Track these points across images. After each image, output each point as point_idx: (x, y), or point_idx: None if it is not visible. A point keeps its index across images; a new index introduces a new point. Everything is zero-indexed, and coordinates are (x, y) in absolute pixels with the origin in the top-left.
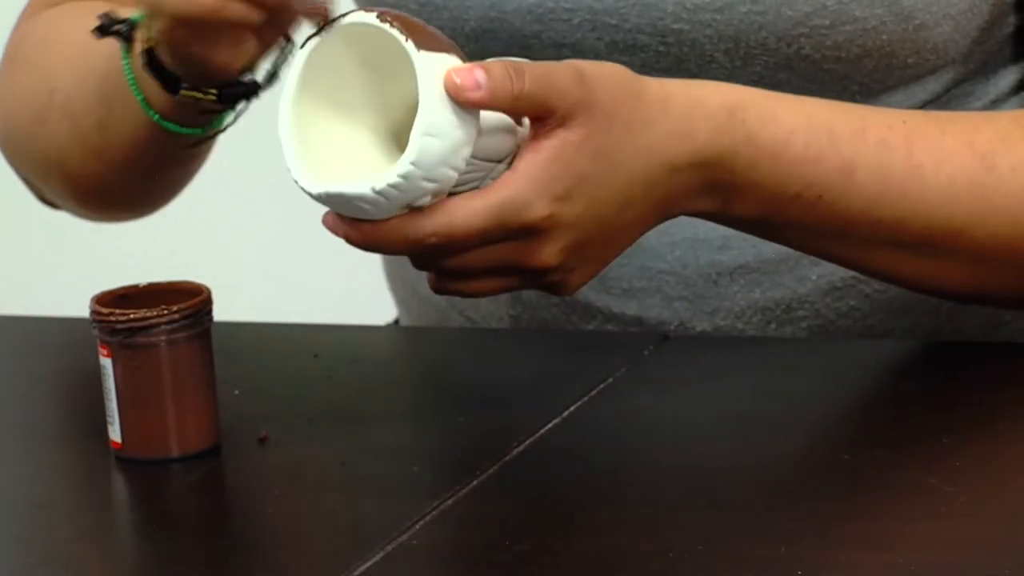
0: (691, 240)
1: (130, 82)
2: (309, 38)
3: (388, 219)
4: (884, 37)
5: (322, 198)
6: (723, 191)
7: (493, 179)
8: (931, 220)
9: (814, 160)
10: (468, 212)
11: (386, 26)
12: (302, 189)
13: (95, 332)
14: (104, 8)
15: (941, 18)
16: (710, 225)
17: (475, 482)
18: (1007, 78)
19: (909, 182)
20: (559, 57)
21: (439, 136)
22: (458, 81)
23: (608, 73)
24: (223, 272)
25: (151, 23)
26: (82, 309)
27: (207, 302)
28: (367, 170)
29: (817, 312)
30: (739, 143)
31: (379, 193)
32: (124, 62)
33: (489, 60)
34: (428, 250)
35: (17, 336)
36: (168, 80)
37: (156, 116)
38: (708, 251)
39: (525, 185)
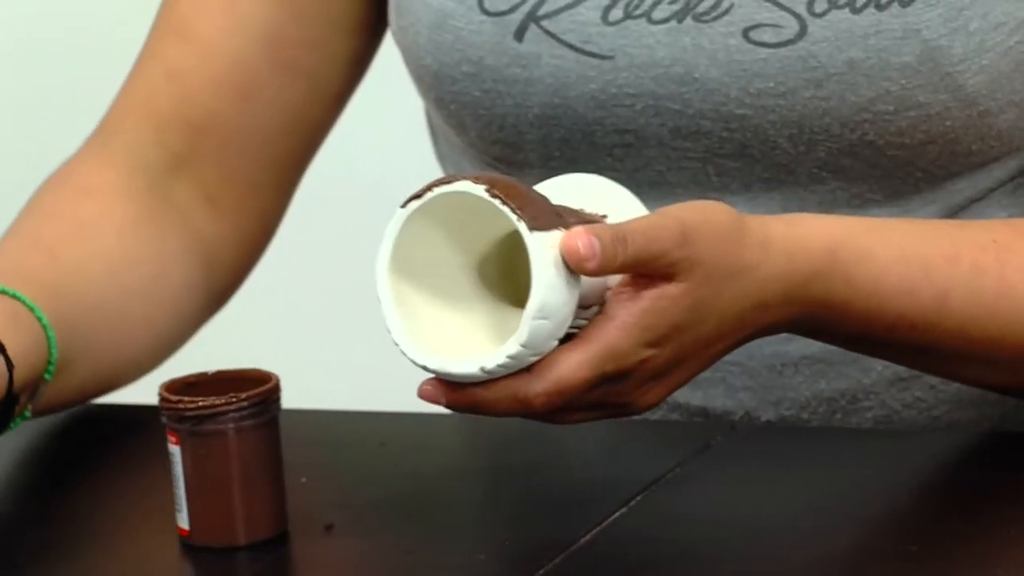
0: None
1: None
2: (408, 200)
3: (496, 382)
4: (948, 123)
5: (428, 370)
6: (813, 322)
7: (585, 319)
8: (1023, 337)
9: (908, 292)
10: (573, 367)
11: (496, 202)
12: (410, 360)
13: (164, 419)
14: None
15: (1005, 104)
16: None
17: (541, 571)
18: None
19: (1001, 302)
20: (622, 142)
21: (550, 317)
22: (581, 251)
23: (712, 222)
24: (291, 360)
25: None
26: (151, 396)
27: (275, 390)
28: (468, 331)
29: (882, 403)
30: (836, 283)
31: (488, 372)
32: None
33: (598, 225)
34: (535, 407)
35: (87, 423)
36: None
37: None
38: (773, 342)
39: (624, 334)
